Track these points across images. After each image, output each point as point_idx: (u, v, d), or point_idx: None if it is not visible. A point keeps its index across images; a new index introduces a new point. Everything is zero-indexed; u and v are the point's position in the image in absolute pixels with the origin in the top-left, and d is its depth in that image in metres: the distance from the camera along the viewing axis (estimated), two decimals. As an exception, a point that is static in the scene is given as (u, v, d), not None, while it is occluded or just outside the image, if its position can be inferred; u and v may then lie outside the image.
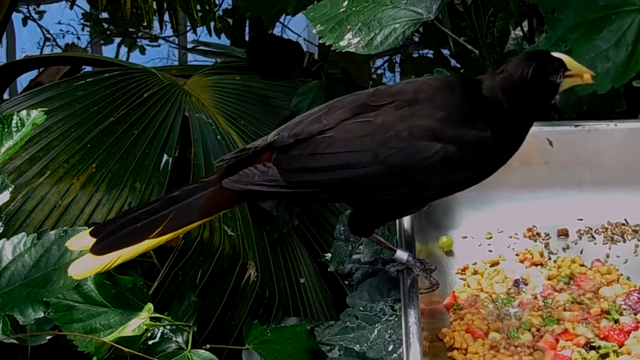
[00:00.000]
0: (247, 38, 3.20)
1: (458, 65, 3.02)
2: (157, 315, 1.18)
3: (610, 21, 1.11)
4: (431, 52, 3.15)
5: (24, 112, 1.06)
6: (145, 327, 1.14)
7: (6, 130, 1.04)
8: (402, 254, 0.97)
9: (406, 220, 1.03)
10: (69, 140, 1.73)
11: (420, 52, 3.18)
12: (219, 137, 1.89)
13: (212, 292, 1.66)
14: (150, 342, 1.31)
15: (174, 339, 1.38)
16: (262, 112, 2.05)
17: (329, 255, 1.19)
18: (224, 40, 3.21)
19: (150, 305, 1.16)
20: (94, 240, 0.92)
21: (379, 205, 0.93)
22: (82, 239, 0.94)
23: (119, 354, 1.19)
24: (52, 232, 1.06)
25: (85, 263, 0.92)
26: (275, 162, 0.91)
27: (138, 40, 3.36)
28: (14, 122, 1.05)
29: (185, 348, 1.28)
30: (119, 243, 0.91)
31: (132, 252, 0.92)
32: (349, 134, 0.89)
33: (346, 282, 1.50)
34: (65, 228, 1.06)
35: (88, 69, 2.60)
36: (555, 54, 0.91)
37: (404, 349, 0.89)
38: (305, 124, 0.92)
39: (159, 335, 1.33)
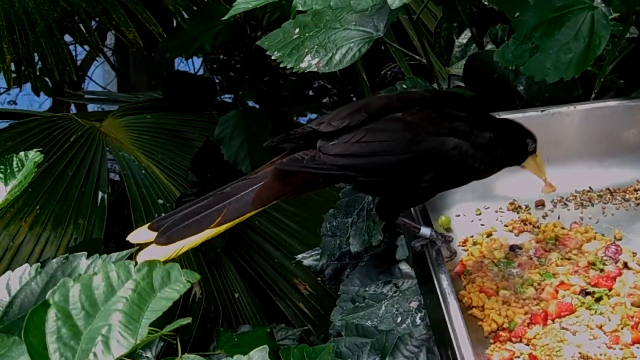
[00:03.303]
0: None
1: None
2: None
3: (567, 18, 1.26)
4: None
5: (22, 154, 1.16)
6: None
7: (9, 171, 1.15)
8: (425, 230, 1.12)
9: (418, 206, 1.18)
10: (10, 187, 1.80)
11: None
12: (143, 171, 2.02)
13: (165, 311, 1.77)
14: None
15: (144, 354, 1.50)
16: (176, 146, 2.18)
17: (300, 256, 1.35)
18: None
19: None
20: (154, 233, 0.99)
21: (405, 192, 1.10)
22: (142, 233, 1.00)
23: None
24: (54, 260, 1.15)
25: (152, 253, 0.98)
26: (321, 148, 1.04)
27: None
28: (14, 163, 1.16)
29: (155, 361, 1.41)
30: (182, 233, 0.99)
31: (195, 241, 1.00)
32: (387, 126, 1.06)
33: (318, 278, 1.63)
34: (66, 255, 1.14)
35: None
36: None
37: (443, 309, 1.02)
38: (347, 116, 1.06)
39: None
